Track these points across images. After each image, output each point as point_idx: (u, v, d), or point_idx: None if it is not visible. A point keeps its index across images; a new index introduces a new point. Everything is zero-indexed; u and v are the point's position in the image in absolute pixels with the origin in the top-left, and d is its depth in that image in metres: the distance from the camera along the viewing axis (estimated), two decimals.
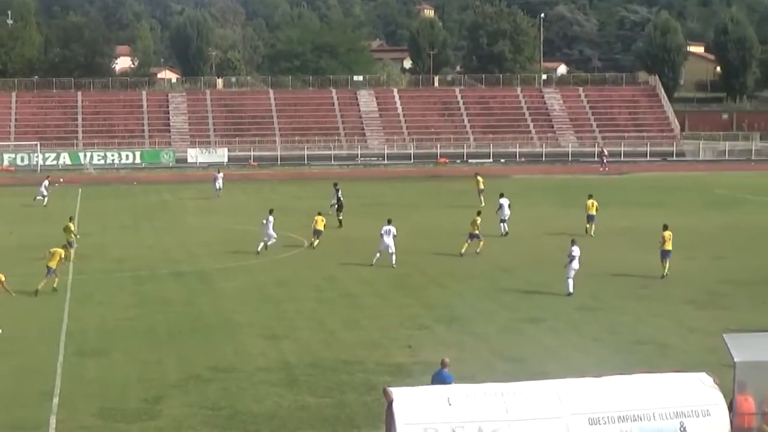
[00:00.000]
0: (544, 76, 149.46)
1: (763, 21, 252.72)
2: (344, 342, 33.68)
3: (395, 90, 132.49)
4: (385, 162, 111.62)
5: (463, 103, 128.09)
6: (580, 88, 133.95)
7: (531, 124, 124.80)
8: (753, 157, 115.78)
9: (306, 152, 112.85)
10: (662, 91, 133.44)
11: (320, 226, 53.70)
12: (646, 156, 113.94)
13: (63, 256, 42.92)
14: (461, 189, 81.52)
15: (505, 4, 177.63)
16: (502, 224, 57.47)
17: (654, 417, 20.37)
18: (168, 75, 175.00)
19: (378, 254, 47.56)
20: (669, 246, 44.89)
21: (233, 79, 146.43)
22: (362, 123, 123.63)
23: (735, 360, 22.28)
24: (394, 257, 47.02)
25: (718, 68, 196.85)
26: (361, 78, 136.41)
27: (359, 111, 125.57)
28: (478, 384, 21.20)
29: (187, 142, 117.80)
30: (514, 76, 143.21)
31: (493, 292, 41.64)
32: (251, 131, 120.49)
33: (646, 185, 74.63)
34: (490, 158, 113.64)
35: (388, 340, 33.88)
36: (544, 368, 28.71)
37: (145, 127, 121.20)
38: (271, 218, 52.05)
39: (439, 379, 24.31)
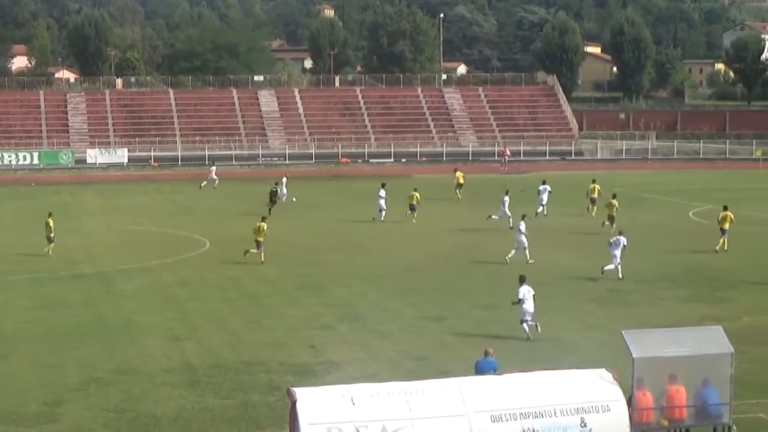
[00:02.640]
0: (444, 76, 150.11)
1: (658, 22, 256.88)
2: (247, 342, 33.59)
3: (296, 90, 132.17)
4: (287, 162, 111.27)
5: (364, 103, 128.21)
6: (480, 88, 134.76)
7: (432, 124, 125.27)
8: (649, 156, 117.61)
9: (207, 152, 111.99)
10: (560, 90, 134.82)
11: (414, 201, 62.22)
12: (546, 155, 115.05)
13: None
14: (363, 188, 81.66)
15: (405, 4, 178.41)
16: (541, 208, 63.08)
17: (555, 413, 20.63)
18: (66, 75, 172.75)
19: None
20: (727, 225, 50.79)
21: (133, 79, 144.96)
22: (263, 123, 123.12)
23: (633, 356, 22.66)
24: None
25: (615, 68, 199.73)
26: (261, 78, 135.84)
27: (260, 111, 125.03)
28: (381, 383, 21.30)
29: (86, 143, 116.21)
30: (415, 76, 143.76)
31: (396, 291, 41.81)
32: (151, 131, 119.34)
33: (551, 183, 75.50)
34: (391, 158, 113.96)
35: (291, 340, 33.86)
36: (447, 366, 28.92)
37: (43, 128, 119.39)
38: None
39: (483, 366, 24.78)
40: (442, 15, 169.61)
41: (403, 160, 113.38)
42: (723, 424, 23.37)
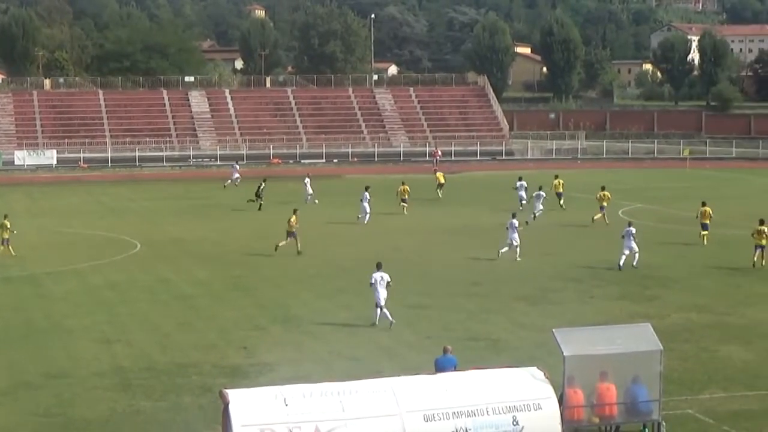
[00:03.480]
0: (376, 77, 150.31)
1: (587, 23, 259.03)
2: (179, 345, 33.42)
3: (227, 91, 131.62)
4: (218, 163, 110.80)
5: (296, 104, 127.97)
6: (411, 89, 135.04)
7: (363, 125, 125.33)
8: (579, 156, 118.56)
9: (137, 154, 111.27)
10: (491, 91, 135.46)
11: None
12: (477, 155, 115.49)
13: None
14: (295, 189, 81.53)
15: (336, 4, 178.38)
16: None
17: (487, 412, 20.77)
18: None
19: None
20: (707, 220, 52.89)
21: (61, 80, 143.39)
22: (194, 124, 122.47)
23: (564, 354, 22.87)
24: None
25: (545, 69, 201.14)
26: (192, 79, 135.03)
27: (191, 112, 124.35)
28: (314, 383, 21.31)
29: (14, 144, 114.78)
30: (346, 76, 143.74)
31: (329, 292, 41.79)
32: (80, 132, 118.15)
33: (478, 184, 75.85)
34: (323, 158, 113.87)
35: (223, 341, 33.75)
36: (379, 366, 28.99)
37: None
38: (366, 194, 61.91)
39: (443, 363, 24.84)
40: (373, 15, 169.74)
41: (335, 160, 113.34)
42: (652, 421, 23.66)
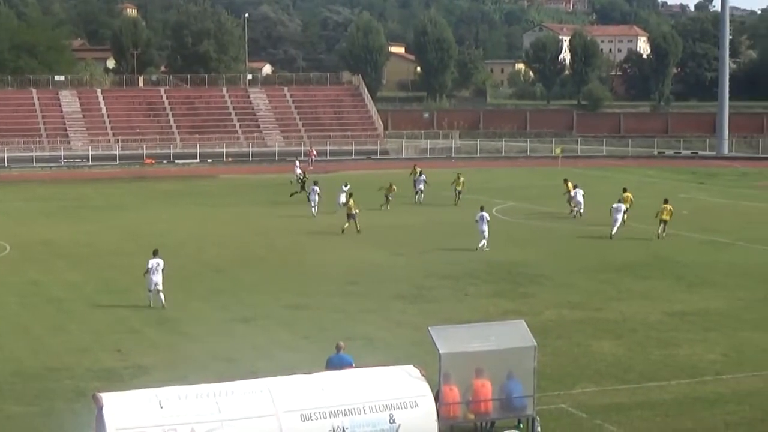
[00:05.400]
0: (250, 76, 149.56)
1: (460, 23, 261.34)
2: (51, 348, 32.84)
3: (99, 90, 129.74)
4: (90, 163, 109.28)
5: (169, 104, 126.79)
6: (286, 88, 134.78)
7: (237, 124, 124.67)
8: (453, 155, 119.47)
9: (6, 154, 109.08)
10: (365, 90, 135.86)
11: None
12: (352, 154, 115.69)
13: None
14: (169, 190, 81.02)
15: (209, 3, 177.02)
16: None
17: (364, 410, 20.81)
18: None
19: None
20: (666, 216, 55.16)
21: None
22: (65, 124, 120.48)
23: (440, 352, 23.03)
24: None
25: (419, 68, 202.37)
26: (62, 78, 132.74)
27: (62, 112, 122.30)
28: (190, 385, 21.13)
29: None
30: (220, 76, 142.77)
31: (203, 293, 41.48)
32: None
33: (353, 183, 76.02)
34: (197, 158, 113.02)
35: (97, 344, 33.25)
36: (256, 367, 28.86)
37: None
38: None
39: (337, 362, 24.55)
40: (246, 15, 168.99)
41: (209, 160, 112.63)
42: (527, 416, 23.94)
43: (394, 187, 68.86)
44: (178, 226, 61.31)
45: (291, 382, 21.40)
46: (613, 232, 54.76)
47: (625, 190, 59.83)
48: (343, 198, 63.73)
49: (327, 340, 32.99)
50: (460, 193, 71.06)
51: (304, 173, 76.96)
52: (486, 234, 51.09)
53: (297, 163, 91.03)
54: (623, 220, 56.32)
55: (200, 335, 34.49)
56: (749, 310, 38.13)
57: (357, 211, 57.50)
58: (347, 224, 56.93)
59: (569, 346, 32.67)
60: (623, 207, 56.78)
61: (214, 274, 45.81)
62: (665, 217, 55.67)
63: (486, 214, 51.61)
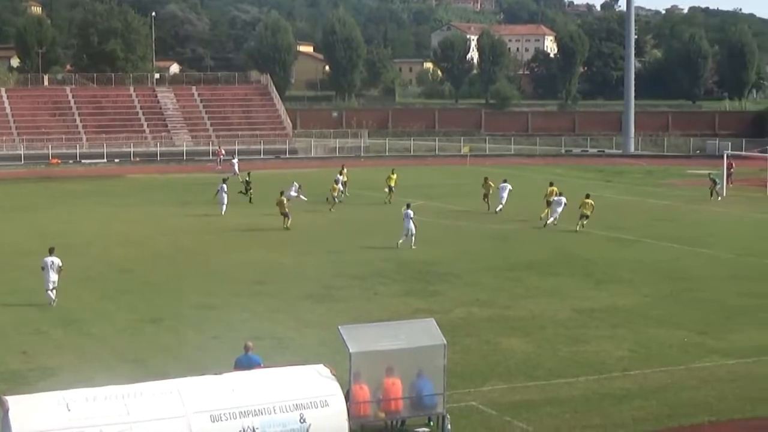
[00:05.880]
0: (157, 75, 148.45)
1: (369, 22, 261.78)
2: None
3: (3, 89, 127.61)
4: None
5: (75, 103, 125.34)
6: (194, 87, 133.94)
7: (145, 124, 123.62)
8: (362, 154, 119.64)
9: None
10: (274, 89, 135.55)
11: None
12: (260, 154, 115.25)
13: None
14: (75, 190, 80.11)
15: (116, 2, 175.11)
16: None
17: (275, 410, 20.74)
18: None
19: None
20: (587, 211, 57.56)
21: None
22: None
23: (350, 351, 23.03)
24: None
25: (327, 67, 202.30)
26: None
27: None
28: (98, 387, 20.88)
29: None
30: (127, 75, 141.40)
31: (111, 293, 41.03)
32: None
33: (263, 182, 75.74)
34: (104, 158, 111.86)
35: (1, 347, 32.68)
36: (165, 368, 28.61)
37: None
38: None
39: (246, 363, 24.28)
40: (153, 13, 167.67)
41: (117, 160, 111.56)
42: (437, 414, 24.02)
43: (338, 186, 69.96)
44: (84, 226, 60.61)
45: (200, 383, 21.26)
46: (549, 221, 58.60)
47: (587, 197, 59.18)
48: (293, 192, 65.80)
49: (236, 340, 32.83)
50: (392, 189, 71.52)
51: (248, 173, 76.22)
52: (413, 231, 51.24)
53: (234, 161, 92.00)
54: (559, 214, 58.77)
55: (107, 336, 34.12)
56: (655, 307, 38.67)
57: (288, 209, 58.63)
58: (288, 221, 58.26)
59: (479, 343, 32.83)
60: (563, 200, 59.05)
61: (121, 274, 45.35)
62: (586, 211, 57.15)
63: (411, 212, 51.77)
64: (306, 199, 67.11)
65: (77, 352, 31.95)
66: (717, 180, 75.65)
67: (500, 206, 64.80)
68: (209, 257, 49.50)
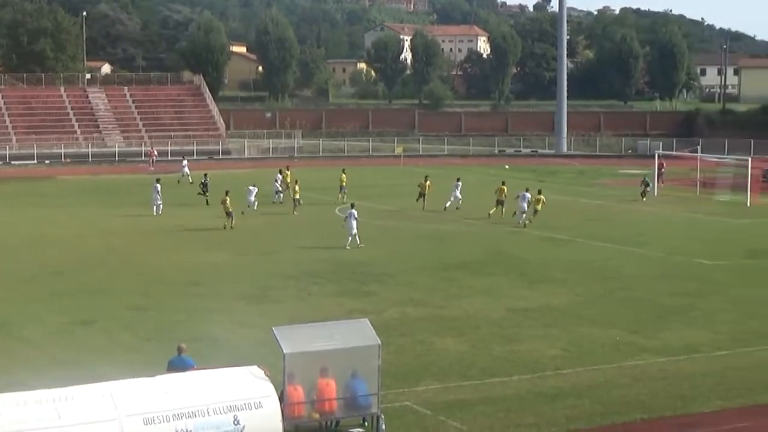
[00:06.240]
0: (88, 76, 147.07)
1: (302, 22, 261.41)
2: None
3: None
4: None
5: (4, 103, 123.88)
6: (125, 88, 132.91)
7: (76, 125, 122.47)
8: (296, 154, 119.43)
9: None
10: (207, 90, 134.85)
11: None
12: (194, 155, 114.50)
13: None
14: (6, 190, 79.24)
15: (45, 1, 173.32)
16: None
17: (208, 412, 20.66)
18: None
19: None
20: (539, 206, 60.27)
21: None
22: None
23: (284, 352, 22.97)
24: None
25: (261, 68, 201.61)
26: None
27: None
28: (28, 391, 20.66)
29: None
30: (57, 75, 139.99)
31: (42, 296, 40.59)
32: None
33: (195, 183, 75.44)
34: (34, 159, 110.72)
35: None
36: (97, 371, 28.33)
37: None
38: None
39: (179, 364, 24.02)
40: (84, 13, 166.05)
41: (47, 161, 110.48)
42: (372, 414, 24.02)
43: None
44: (15, 227, 59.94)
45: (133, 386, 21.11)
46: (520, 221, 59.64)
47: (539, 192, 61.81)
48: (252, 197, 65.52)
49: (170, 341, 32.61)
50: (342, 188, 72.48)
51: (205, 174, 75.11)
52: (354, 231, 51.62)
53: (185, 162, 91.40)
54: (525, 209, 60.03)
55: (38, 339, 33.75)
56: (588, 306, 38.98)
57: (231, 209, 58.76)
58: (232, 221, 58.57)
59: (413, 343, 32.89)
60: (528, 195, 60.28)
61: (52, 276, 44.89)
62: (538, 207, 59.69)
63: (355, 212, 51.89)
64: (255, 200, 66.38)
65: (7, 355, 31.57)
66: (649, 182, 76.58)
67: (449, 202, 66.73)
68: (143, 258, 49.15)
